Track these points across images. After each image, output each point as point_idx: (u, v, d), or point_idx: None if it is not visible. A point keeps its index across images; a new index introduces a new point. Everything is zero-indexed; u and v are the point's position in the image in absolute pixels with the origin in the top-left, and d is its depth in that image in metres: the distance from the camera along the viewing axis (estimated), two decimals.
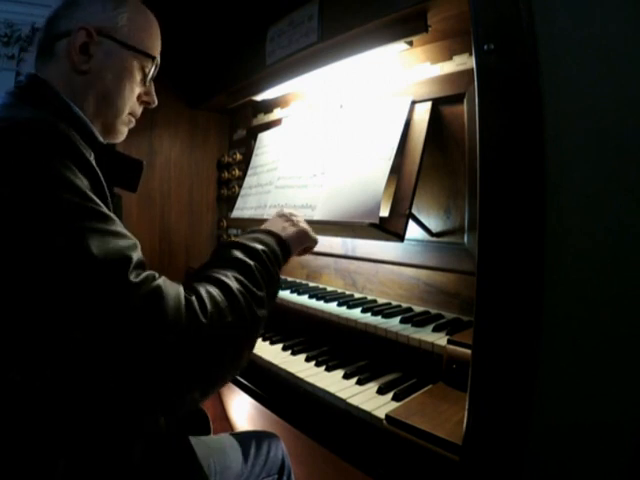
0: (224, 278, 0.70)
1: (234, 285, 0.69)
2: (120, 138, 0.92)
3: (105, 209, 0.63)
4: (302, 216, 1.00)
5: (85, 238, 0.57)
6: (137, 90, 0.88)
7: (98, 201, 0.62)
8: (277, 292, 0.81)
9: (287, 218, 0.95)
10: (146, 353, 0.58)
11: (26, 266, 0.55)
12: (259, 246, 0.78)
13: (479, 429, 0.60)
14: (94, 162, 0.66)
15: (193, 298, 0.64)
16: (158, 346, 0.58)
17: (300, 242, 0.92)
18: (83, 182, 0.61)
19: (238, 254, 0.75)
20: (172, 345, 0.59)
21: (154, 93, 0.92)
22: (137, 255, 0.63)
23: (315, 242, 0.98)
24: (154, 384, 0.60)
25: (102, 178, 0.66)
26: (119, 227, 0.63)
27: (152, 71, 0.89)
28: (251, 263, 0.74)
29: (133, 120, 0.92)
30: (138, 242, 0.67)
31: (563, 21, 0.55)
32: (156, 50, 0.90)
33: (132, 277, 0.59)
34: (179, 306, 0.61)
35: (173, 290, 0.63)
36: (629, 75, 0.51)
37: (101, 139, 0.82)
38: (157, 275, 0.63)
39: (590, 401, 0.53)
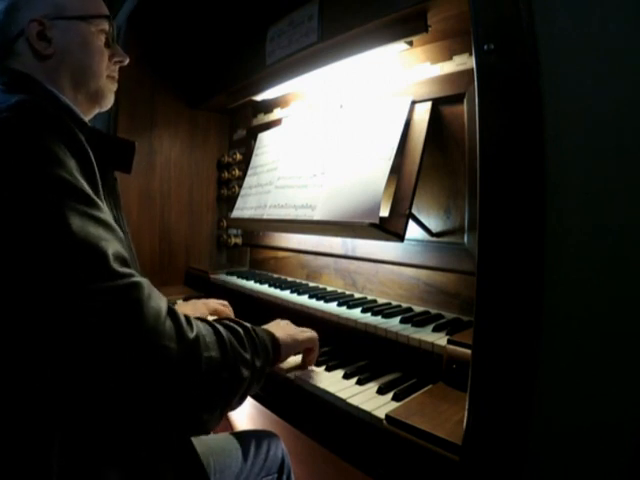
0: (214, 323, 0.69)
1: (224, 332, 0.68)
2: (108, 103, 0.95)
3: (91, 193, 0.62)
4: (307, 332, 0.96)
5: (66, 214, 0.56)
6: (106, 53, 0.91)
7: (84, 183, 0.62)
8: (262, 375, 0.75)
9: (292, 327, 0.94)
10: (114, 352, 0.54)
11: (5, 234, 0.55)
12: (247, 325, 0.78)
13: (479, 429, 0.60)
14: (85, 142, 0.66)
15: (181, 315, 0.62)
16: (129, 347, 0.55)
17: (293, 346, 0.89)
18: (71, 162, 0.61)
19: (225, 321, 0.75)
20: (145, 349, 0.55)
21: (122, 51, 0.96)
22: (120, 249, 0.61)
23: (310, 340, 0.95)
24: (126, 382, 0.56)
25: (92, 158, 0.66)
26: (103, 214, 0.62)
27: (111, 30, 0.92)
28: (239, 329, 0.73)
29: (115, 83, 0.96)
30: (122, 236, 0.65)
31: (563, 21, 0.55)
32: (104, 10, 0.92)
33: (115, 265, 0.57)
34: (159, 314, 0.58)
35: (158, 296, 0.61)
36: (629, 75, 0.51)
37: (87, 122, 0.84)
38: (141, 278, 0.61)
39: (590, 401, 0.53)
